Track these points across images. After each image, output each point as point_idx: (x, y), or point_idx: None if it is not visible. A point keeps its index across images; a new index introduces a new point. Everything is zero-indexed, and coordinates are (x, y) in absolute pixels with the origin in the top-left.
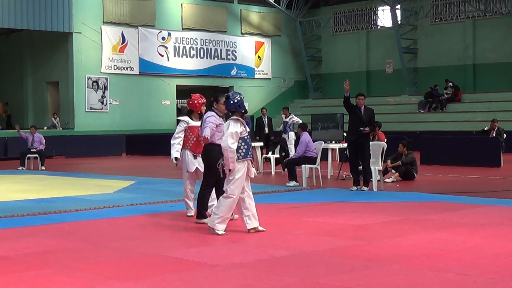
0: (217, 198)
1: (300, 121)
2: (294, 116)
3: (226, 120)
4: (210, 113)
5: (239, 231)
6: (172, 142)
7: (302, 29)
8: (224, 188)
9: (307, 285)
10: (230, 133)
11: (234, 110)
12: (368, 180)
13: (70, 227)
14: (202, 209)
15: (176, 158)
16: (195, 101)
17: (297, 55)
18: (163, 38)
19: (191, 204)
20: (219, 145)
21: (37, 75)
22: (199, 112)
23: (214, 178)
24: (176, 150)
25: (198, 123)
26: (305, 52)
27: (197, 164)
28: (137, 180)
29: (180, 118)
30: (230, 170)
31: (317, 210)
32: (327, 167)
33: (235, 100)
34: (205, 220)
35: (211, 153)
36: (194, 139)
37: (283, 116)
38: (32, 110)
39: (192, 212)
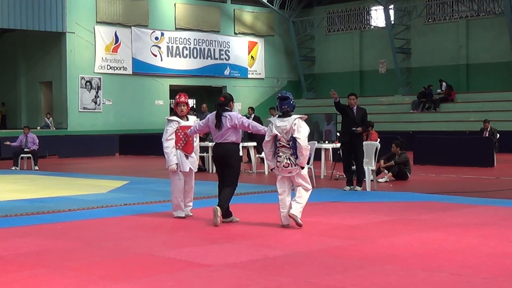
0: (220, 193)
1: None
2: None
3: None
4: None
5: (232, 231)
6: (166, 145)
7: (295, 29)
8: (299, 182)
9: (301, 285)
10: (307, 134)
11: (291, 110)
12: (361, 180)
13: (63, 227)
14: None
15: (176, 164)
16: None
17: (290, 55)
18: (156, 38)
19: (182, 205)
20: (235, 143)
21: (30, 75)
22: (176, 112)
23: (237, 176)
24: (174, 155)
25: (187, 123)
26: (298, 52)
27: (189, 164)
28: (130, 180)
29: (170, 118)
30: (302, 168)
31: (310, 210)
32: (320, 167)
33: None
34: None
35: (231, 151)
36: (186, 139)
37: (272, 116)
38: (26, 110)
39: (183, 213)
